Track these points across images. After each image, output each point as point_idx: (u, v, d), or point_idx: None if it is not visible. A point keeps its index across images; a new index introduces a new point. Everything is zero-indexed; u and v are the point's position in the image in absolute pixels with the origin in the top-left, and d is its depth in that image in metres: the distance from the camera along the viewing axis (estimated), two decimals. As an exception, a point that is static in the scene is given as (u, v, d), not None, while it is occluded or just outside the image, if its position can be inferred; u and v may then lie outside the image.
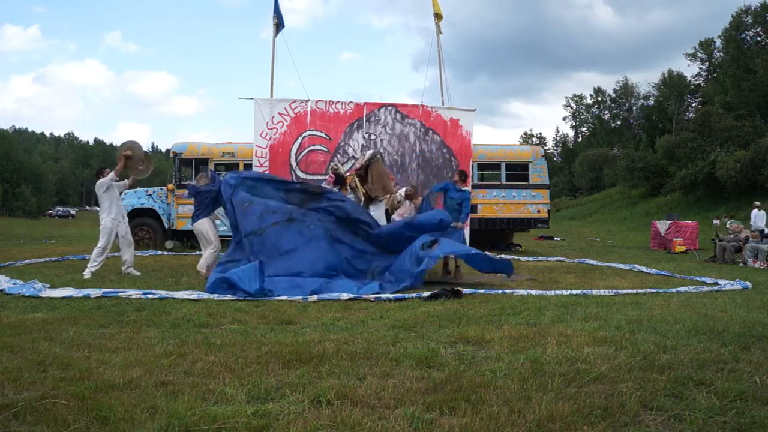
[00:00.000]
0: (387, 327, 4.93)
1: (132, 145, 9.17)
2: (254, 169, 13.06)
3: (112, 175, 8.76)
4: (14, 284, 6.93)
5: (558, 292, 7.11)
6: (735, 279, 8.55)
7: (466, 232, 13.34)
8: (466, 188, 10.15)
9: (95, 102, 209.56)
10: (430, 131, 13.39)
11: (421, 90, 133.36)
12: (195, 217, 8.61)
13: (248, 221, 7.99)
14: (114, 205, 8.79)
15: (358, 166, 9.89)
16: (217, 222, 9.14)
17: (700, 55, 52.62)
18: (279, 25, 14.67)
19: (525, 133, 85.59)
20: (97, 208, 9.12)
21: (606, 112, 70.69)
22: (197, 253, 11.86)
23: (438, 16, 14.82)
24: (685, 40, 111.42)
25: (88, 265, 8.52)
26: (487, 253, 8.67)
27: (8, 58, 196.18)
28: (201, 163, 14.53)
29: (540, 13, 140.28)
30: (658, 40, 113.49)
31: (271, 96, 13.98)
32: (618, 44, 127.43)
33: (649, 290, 7.38)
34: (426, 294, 6.64)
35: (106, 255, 8.76)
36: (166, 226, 14.18)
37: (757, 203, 19.15)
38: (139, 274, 8.77)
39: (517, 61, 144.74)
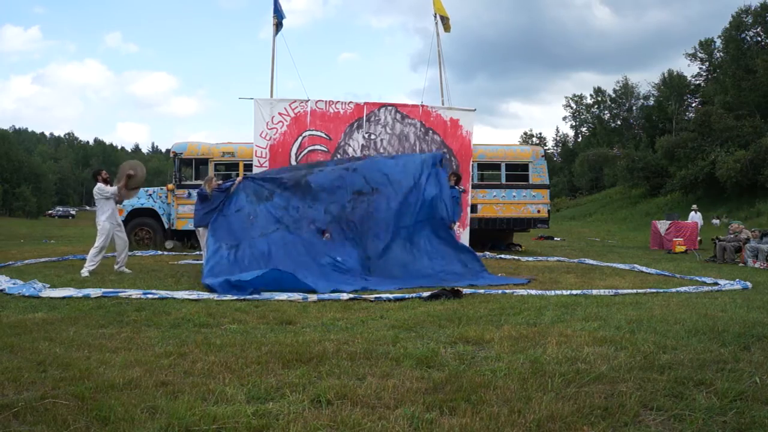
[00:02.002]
0: (387, 327, 4.93)
1: (135, 165, 9.36)
2: (254, 169, 13.07)
3: (115, 189, 8.91)
4: (14, 284, 6.93)
5: (558, 292, 7.10)
6: (735, 279, 8.55)
7: (466, 234, 13.35)
8: (455, 187, 10.24)
9: (95, 102, 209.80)
10: (430, 131, 13.39)
11: (419, 90, 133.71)
12: (201, 219, 8.91)
13: (256, 228, 8.61)
14: (112, 209, 8.93)
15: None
16: None
17: (700, 55, 52.63)
18: (279, 24, 14.67)
19: (525, 133, 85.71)
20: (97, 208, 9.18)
21: (606, 112, 70.70)
22: (197, 252, 11.88)
23: (444, 18, 14.85)
24: (683, 40, 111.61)
25: (85, 265, 8.60)
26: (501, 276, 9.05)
27: (9, 58, 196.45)
28: (201, 163, 14.53)
29: (538, 13, 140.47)
30: (657, 40, 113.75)
31: (271, 96, 13.99)
32: (616, 44, 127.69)
33: (649, 290, 7.38)
34: (426, 294, 6.64)
35: (102, 255, 8.83)
36: (166, 226, 14.17)
37: (694, 206, 21.04)
38: (130, 272, 8.85)
39: (516, 62, 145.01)
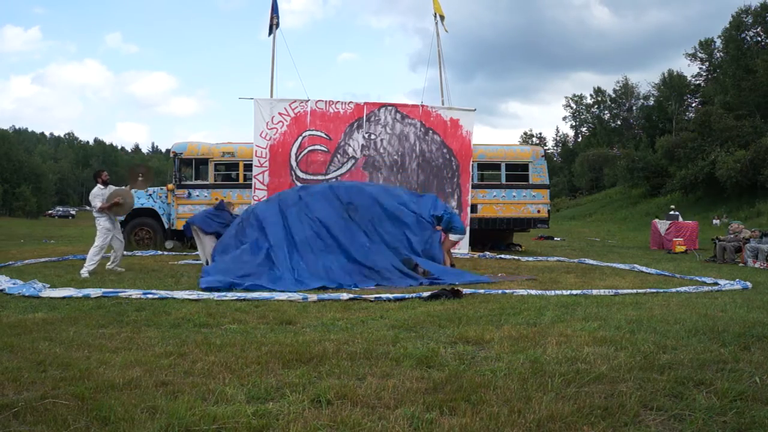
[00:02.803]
0: (387, 327, 4.93)
1: (125, 195, 9.41)
2: (254, 169, 13.08)
3: (97, 205, 8.96)
4: (14, 284, 6.93)
5: (558, 292, 7.10)
6: (735, 279, 8.55)
7: (466, 234, 13.36)
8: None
9: (95, 102, 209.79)
10: (430, 131, 13.40)
11: (418, 90, 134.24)
12: (209, 225, 9.34)
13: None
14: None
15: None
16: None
17: (700, 55, 52.65)
18: (277, 24, 14.67)
19: (525, 133, 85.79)
20: None
21: (606, 112, 70.73)
22: (197, 252, 11.89)
23: (441, 18, 14.85)
24: (682, 40, 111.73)
25: (85, 265, 8.64)
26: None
27: (9, 58, 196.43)
28: (201, 163, 14.52)
29: (536, 13, 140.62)
30: (655, 40, 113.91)
31: (271, 96, 14.00)
32: (615, 44, 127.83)
33: (649, 290, 7.38)
34: (426, 294, 6.64)
35: (102, 254, 8.90)
36: (166, 226, 14.16)
37: (672, 206, 22.92)
38: (122, 270, 9.03)
39: (514, 62, 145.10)
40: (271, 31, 14.56)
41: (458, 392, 3.15)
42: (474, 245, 14.11)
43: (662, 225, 17.36)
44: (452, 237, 9.69)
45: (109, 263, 9.12)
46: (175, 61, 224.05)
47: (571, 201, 63.63)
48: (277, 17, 14.66)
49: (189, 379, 3.37)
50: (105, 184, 9.09)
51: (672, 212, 21.22)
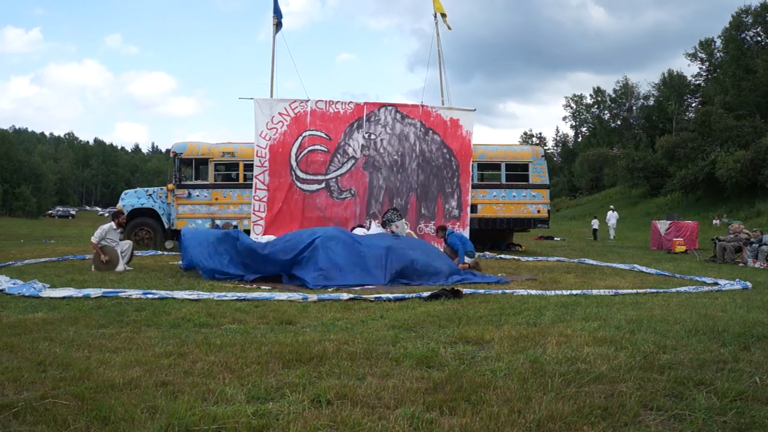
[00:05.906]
0: (387, 327, 4.93)
1: (114, 258, 9.56)
2: (255, 169, 13.08)
3: (95, 242, 9.25)
4: (14, 284, 6.93)
5: (558, 292, 7.10)
6: (735, 279, 8.55)
7: (466, 234, 13.37)
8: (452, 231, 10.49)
9: (94, 102, 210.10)
10: (430, 131, 13.38)
11: (416, 90, 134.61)
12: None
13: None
14: (113, 241, 9.42)
15: None
16: None
17: (700, 55, 52.67)
18: (278, 23, 14.65)
19: (525, 133, 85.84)
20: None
21: (606, 112, 70.75)
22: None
23: (443, 15, 14.80)
24: (678, 40, 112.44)
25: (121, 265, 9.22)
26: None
27: (10, 59, 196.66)
28: (201, 163, 14.53)
29: (534, 13, 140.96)
30: (652, 40, 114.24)
31: (271, 96, 13.98)
32: (612, 44, 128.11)
33: (649, 290, 7.38)
34: (426, 294, 6.64)
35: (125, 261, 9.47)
36: (166, 226, 14.17)
37: (611, 206, 24.69)
38: (130, 268, 9.33)
39: (512, 62, 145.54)
40: (278, 29, 14.53)
41: (458, 392, 3.15)
42: (474, 245, 14.10)
43: (662, 225, 17.37)
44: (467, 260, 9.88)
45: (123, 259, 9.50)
46: (175, 61, 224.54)
47: (571, 201, 63.64)
48: (279, 18, 14.65)
49: (189, 379, 3.37)
50: (120, 225, 9.57)
51: (611, 211, 22.78)
